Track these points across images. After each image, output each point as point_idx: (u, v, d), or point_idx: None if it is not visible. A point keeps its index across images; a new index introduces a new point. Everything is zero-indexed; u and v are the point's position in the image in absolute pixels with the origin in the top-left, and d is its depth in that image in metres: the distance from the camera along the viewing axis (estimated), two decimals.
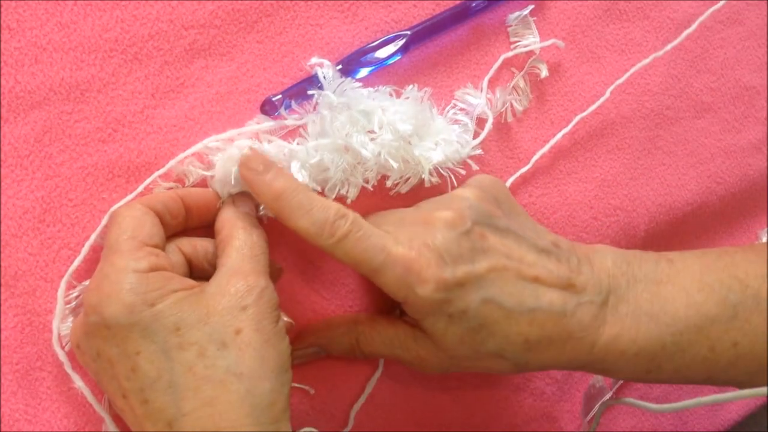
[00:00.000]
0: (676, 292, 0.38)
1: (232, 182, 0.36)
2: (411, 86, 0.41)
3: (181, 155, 0.37)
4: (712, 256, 0.40)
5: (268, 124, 0.38)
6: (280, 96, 0.39)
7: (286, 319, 0.37)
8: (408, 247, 0.35)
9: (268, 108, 0.39)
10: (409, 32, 0.42)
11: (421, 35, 0.42)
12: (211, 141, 0.37)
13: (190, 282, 0.33)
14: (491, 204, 0.38)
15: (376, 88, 0.40)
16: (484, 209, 0.37)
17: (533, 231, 0.39)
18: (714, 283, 0.38)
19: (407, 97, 0.41)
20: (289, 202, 0.34)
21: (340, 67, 0.40)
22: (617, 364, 0.37)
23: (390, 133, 0.39)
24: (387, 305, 0.42)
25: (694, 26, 0.50)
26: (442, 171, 0.41)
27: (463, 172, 0.42)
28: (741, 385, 0.39)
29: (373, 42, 0.41)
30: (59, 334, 0.35)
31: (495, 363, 0.37)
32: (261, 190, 0.35)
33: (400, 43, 0.41)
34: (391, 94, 0.40)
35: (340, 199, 0.40)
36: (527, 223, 0.39)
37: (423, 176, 0.41)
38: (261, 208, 0.37)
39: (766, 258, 0.39)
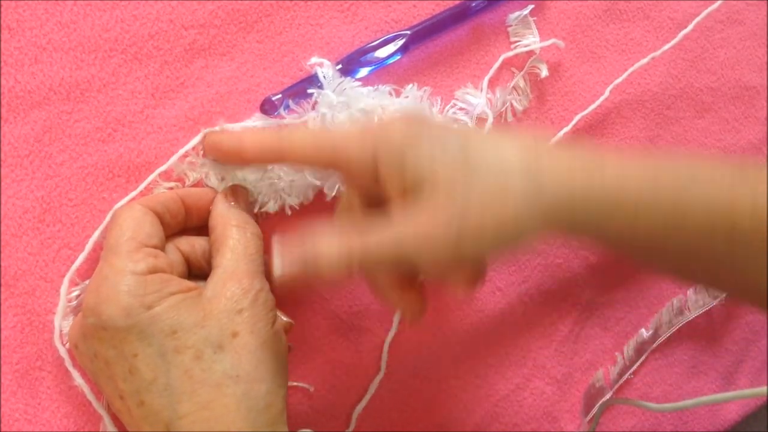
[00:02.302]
0: None
1: (226, 174, 0.36)
2: (411, 85, 0.41)
3: (182, 150, 0.37)
4: None
5: (267, 121, 0.38)
6: (279, 95, 0.39)
7: (285, 319, 0.37)
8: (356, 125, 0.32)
9: (267, 107, 0.39)
10: (409, 32, 0.42)
11: (421, 35, 0.42)
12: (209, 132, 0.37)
13: (188, 284, 0.33)
14: None
15: (375, 87, 0.40)
16: None
17: None
18: None
19: (407, 96, 0.41)
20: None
21: (339, 66, 0.40)
22: (636, 199, 0.31)
23: None
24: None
25: (690, 27, 0.50)
26: None
27: None
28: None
29: (373, 42, 0.41)
30: (61, 332, 0.35)
31: (501, 204, 0.31)
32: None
33: (400, 42, 0.41)
34: (390, 93, 0.40)
35: (340, 197, 0.40)
36: None
37: None
38: (257, 205, 0.37)
39: None
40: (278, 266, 0.31)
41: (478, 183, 0.31)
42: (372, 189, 0.33)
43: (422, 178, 0.31)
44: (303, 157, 0.33)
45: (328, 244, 0.31)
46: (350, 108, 0.38)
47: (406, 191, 0.31)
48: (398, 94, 0.41)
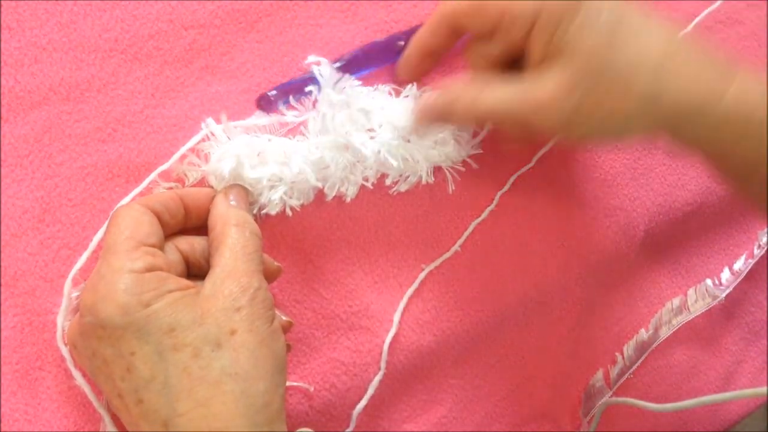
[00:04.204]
0: None
1: (226, 176, 0.36)
2: (410, 85, 0.41)
3: (184, 149, 0.37)
4: None
5: (268, 119, 0.38)
6: (275, 92, 0.39)
7: (285, 318, 0.37)
8: None
9: (263, 104, 0.38)
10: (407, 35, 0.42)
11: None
12: (210, 129, 0.37)
13: (186, 282, 0.33)
14: None
15: (375, 87, 0.40)
16: None
17: None
18: None
19: (406, 96, 0.41)
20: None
21: (340, 64, 0.40)
22: (747, 125, 0.35)
23: (389, 131, 0.39)
24: None
25: (690, 27, 0.50)
26: (445, 170, 0.42)
27: (462, 169, 0.42)
28: None
29: (375, 41, 0.41)
30: (63, 331, 0.35)
31: (622, 94, 0.34)
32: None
33: (401, 44, 0.41)
34: (390, 93, 0.40)
35: (339, 197, 0.40)
36: None
37: (421, 175, 0.41)
38: (257, 206, 0.38)
39: None
40: (417, 106, 0.38)
41: (610, 70, 0.34)
42: (515, 46, 0.37)
43: (564, 48, 0.34)
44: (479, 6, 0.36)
45: (461, 90, 0.37)
46: (350, 107, 0.38)
47: (546, 57, 0.35)
48: (398, 93, 0.41)
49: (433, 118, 0.39)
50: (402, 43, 0.41)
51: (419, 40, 0.40)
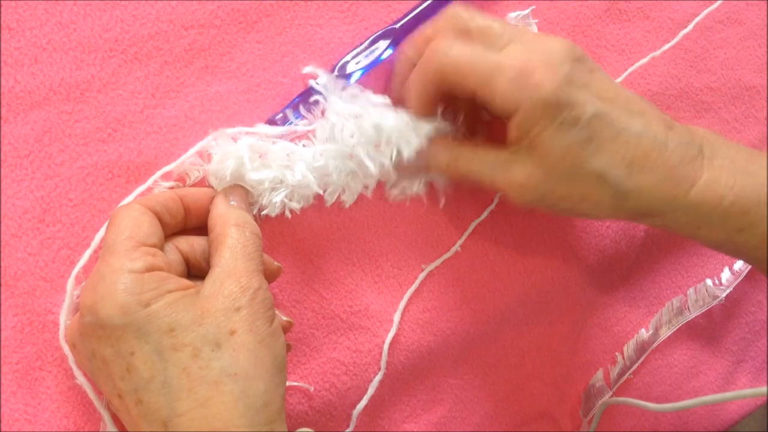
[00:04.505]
0: None
1: (228, 177, 0.36)
2: (435, 116, 0.40)
3: (192, 150, 0.37)
4: None
5: (278, 129, 0.38)
6: (281, 114, 0.39)
7: (285, 318, 0.37)
8: (519, 54, 0.35)
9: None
10: (396, 27, 0.41)
11: (409, 28, 0.41)
12: (217, 135, 0.37)
13: (186, 282, 0.33)
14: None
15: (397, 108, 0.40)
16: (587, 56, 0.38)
17: None
18: None
19: (428, 122, 0.40)
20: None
21: (336, 74, 0.40)
22: (711, 215, 0.38)
23: (395, 153, 0.39)
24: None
25: (690, 27, 0.50)
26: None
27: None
28: None
29: (361, 44, 0.41)
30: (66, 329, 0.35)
31: (594, 189, 0.37)
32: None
33: (389, 41, 0.41)
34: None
35: (338, 203, 0.40)
36: None
37: (416, 188, 0.42)
38: (256, 208, 0.38)
39: None
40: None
41: (579, 173, 0.36)
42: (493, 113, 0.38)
43: (538, 146, 0.36)
44: (461, 75, 0.36)
45: (441, 150, 0.40)
46: (362, 119, 0.38)
47: (522, 143, 0.36)
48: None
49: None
50: None
51: (414, 94, 0.39)
